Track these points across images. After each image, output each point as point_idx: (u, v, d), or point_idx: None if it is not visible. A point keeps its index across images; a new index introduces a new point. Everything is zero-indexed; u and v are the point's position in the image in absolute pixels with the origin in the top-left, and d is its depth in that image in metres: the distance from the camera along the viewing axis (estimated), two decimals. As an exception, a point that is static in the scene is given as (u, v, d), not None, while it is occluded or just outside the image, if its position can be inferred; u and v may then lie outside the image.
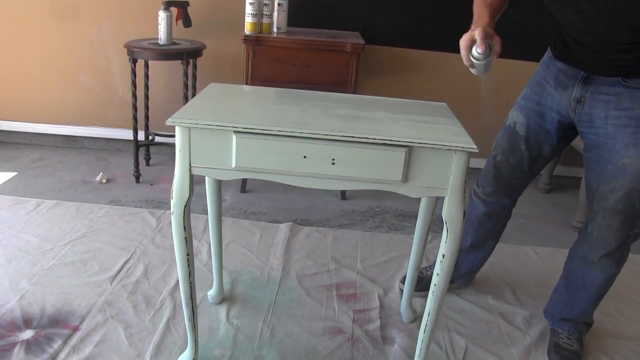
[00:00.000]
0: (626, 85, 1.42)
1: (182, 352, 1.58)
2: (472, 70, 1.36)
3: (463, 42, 1.31)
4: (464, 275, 1.98)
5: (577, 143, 1.77)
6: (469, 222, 1.84)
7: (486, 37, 1.28)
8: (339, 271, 2.11)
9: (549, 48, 1.62)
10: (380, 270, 2.14)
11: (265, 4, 2.61)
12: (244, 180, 2.80)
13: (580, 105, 1.51)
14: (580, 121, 1.53)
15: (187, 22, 2.77)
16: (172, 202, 1.28)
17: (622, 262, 1.60)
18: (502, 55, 1.34)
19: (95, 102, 3.14)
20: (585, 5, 1.32)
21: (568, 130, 1.61)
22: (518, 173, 1.70)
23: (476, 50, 1.29)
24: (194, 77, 2.89)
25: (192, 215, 2.19)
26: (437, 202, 1.67)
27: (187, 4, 2.76)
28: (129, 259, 2.06)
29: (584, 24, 1.39)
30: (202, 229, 2.33)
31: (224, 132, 1.20)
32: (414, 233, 1.75)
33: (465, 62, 1.33)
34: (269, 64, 2.56)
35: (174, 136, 1.23)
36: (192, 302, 1.43)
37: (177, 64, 2.90)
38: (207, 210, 1.74)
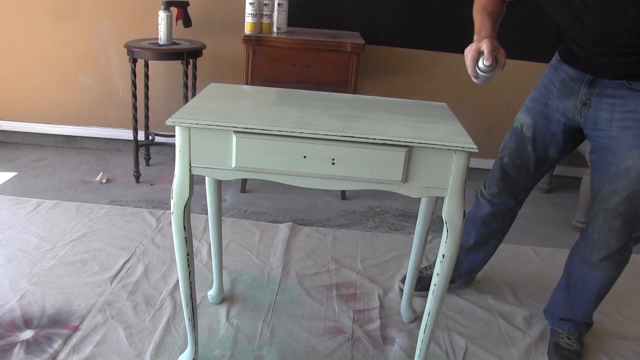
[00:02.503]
0: (631, 87, 1.41)
1: (182, 352, 1.58)
2: (475, 80, 1.37)
3: (470, 53, 1.31)
4: (464, 274, 1.98)
5: (580, 145, 1.77)
6: (473, 221, 1.85)
7: (493, 50, 1.29)
8: (339, 271, 2.11)
9: (557, 51, 1.63)
10: (380, 270, 2.14)
11: (265, 4, 2.61)
12: (244, 180, 2.80)
13: (585, 108, 1.51)
14: (585, 123, 1.54)
15: (187, 22, 2.77)
16: (172, 202, 1.28)
17: (623, 264, 1.59)
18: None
19: (95, 102, 3.14)
20: (582, 10, 1.33)
21: (575, 134, 1.61)
22: (524, 174, 1.71)
23: (483, 63, 1.29)
24: (194, 77, 2.89)
25: (192, 215, 2.19)
26: (437, 202, 1.68)
27: (187, 4, 2.76)
28: (129, 259, 2.06)
29: (582, 28, 1.39)
30: (202, 229, 2.33)
31: (224, 132, 1.19)
32: (414, 233, 1.75)
33: (470, 73, 1.33)
34: (269, 64, 2.56)
35: (174, 136, 1.23)
36: (192, 302, 1.43)
37: (177, 64, 2.90)
38: (207, 210, 1.74)
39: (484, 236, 1.87)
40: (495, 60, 1.30)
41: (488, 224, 1.84)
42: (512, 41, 2.35)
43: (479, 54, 1.31)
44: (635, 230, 1.52)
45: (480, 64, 1.30)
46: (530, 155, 1.66)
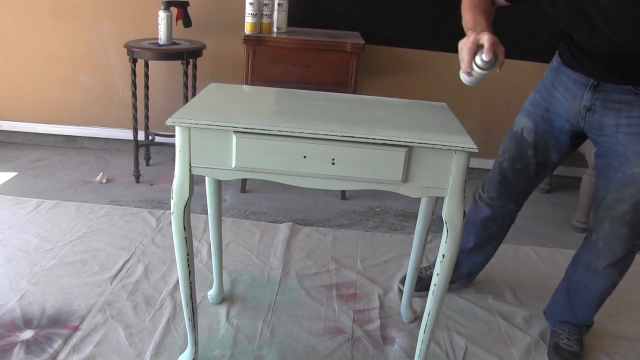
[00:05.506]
0: (637, 93, 1.38)
1: (182, 352, 1.58)
2: (466, 79, 1.26)
3: (466, 46, 1.19)
4: (464, 276, 1.98)
5: (580, 146, 1.75)
6: (473, 224, 1.84)
7: (493, 45, 1.17)
8: (339, 271, 2.11)
9: (557, 53, 1.58)
10: (380, 270, 2.14)
11: (265, 4, 2.61)
12: (244, 180, 2.80)
13: (590, 113, 1.47)
14: (590, 129, 1.50)
15: (187, 22, 2.77)
16: (172, 202, 1.28)
17: (626, 270, 1.59)
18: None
19: (95, 102, 3.14)
20: (596, 16, 1.24)
21: (577, 138, 1.58)
22: (524, 179, 1.68)
23: (482, 59, 1.16)
24: (194, 77, 2.89)
25: (192, 215, 2.19)
26: (437, 202, 1.68)
27: (187, 4, 2.76)
28: (129, 259, 2.06)
29: (593, 35, 1.33)
30: (202, 229, 2.33)
31: (224, 132, 1.19)
32: (414, 233, 1.75)
33: (464, 68, 1.21)
34: (269, 64, 2.56)
35: (174, 136, 1.23)
36: (192, 302, 1.43)
37: (177, 64, 2.90)
38: (207, 210, 1.74)
39: (483, 238, 1.86)
40: (495, 56, 1.16)
41: (488, 226, 1.83)
42: (512, 41, 2.35)
43: (478, 47, 1.18)
44: None
45: (477, 59, 1.17)
46: (530, 160, 1.63)
